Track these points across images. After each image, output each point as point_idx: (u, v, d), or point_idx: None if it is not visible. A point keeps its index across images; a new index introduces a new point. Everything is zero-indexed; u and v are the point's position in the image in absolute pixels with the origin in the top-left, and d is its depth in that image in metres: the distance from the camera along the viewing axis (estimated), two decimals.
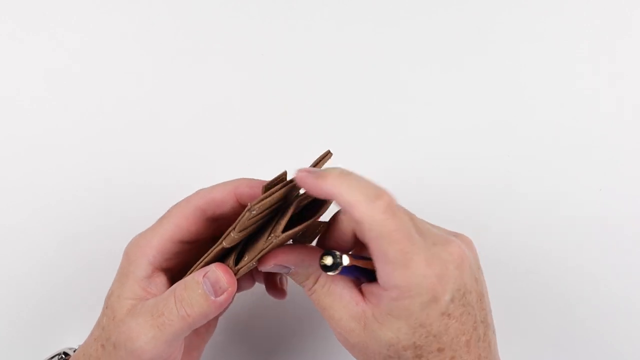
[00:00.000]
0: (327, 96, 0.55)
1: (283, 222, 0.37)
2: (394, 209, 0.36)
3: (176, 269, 0.42)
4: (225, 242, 0.38)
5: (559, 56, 0.55)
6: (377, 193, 0.36)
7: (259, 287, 0.46)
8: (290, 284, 0.46)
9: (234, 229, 0.38)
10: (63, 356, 0.46)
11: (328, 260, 0.37)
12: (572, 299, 0.53)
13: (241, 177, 0.42)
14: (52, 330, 0.52)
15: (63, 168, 0.53)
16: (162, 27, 0.54)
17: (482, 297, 0.39)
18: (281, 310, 0.53)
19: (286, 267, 0.39)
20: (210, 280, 0.39)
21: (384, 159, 0.55)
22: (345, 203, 0.36)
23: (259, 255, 0.38)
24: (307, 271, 0.39)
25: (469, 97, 0.55)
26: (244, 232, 0.38)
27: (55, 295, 0.53)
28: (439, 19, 0.55)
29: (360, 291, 0.39)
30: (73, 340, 0.50)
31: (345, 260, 0.37)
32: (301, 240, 0.42)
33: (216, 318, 0.46)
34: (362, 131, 0.55)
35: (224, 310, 0.46)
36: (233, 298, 0.39)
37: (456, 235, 0.40)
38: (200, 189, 0.42)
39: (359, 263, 0.37)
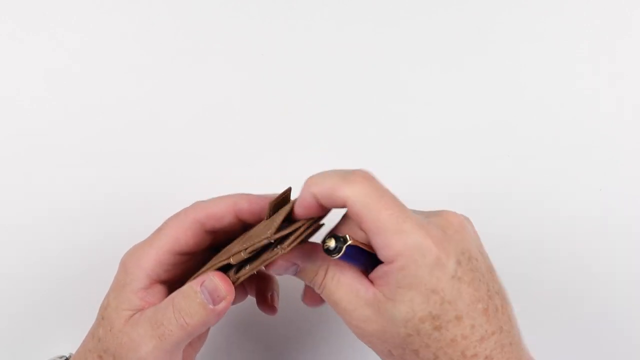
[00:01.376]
0: (327, 96, 0.55)
1: (292, 238, 0.37)
2: (370, 178, 0.37)
3: (174, 279, 0.42)
4: (233, 260, 0.38)
5: (559, 56, 0.55)
6: (349, 171, 0.37)
7: (251, 300, 0.46)
8: (281, 299, 0.46)
9: (245, 249, 0.38)
10: None
11: (331, 243, 0.37)
12: (572, 299, 0.53)
13: (240, 192, 0.42)
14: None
15: (63, 168, 0.53)
16: (162, 27, 0.54)
17: (491, 269, 0.39)
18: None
19: (294, 263, 0.39)
20: (208, 288, 0.38)
21: (384, 159, 0.55)
22: (325, 190, 0.36)
23: (262, 265, 0.38)
24: (315, 265, 0.39)
25: (469, 97, 0.55)
26: (253, 253, 0.38)
27: (49, 297, 0.53)
28: (439, 19, 0.55)
29: (369, 280, 0.38)
30: (64, 347, 0.50)
31: (349, 239, 0.37)
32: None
33: (208, 328, 0.46)
34: (362, 131, 0.55)
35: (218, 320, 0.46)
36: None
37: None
38: (198, 202, 0.42)
39: (361, 245, 0.37)
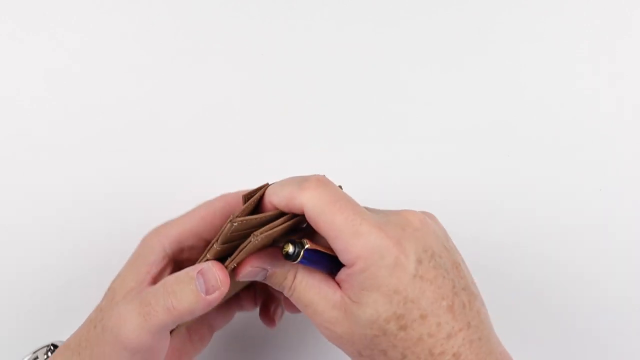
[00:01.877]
0: (327, 96, 0.55)
1: (265, 227, 0.37)
2: (324, 183, 0.37)
3: (187, 265, 0.42)
4: (209, 254, 0.38)
5: (559, 56, 0.55)
6: (304, 178, 0.37)
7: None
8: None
9: (216, 240, 0.37)
10: (52, 347, 0.45)
11: (289, 248, 0.37)
12: (572, 299, 0.53)
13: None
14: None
15: (63, 168, 0.53)
16: (162, 27, 0.54)
17: (457, 265, 0.39)
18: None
19: (263, 268, 0.39)
20: (205, 277, 0.38)
21: (384, 159, 0.55)
22: (283, 199, 0.37)
23: (237, 256, 0.38)
24: (284, 268, 0.39)
25: (469, 97, 0.55)
26: (228, 246, 0.38)
27: (48, 298, 0.53)
28: (439, 19, 0.55)
29: (336, 283, 0.38)
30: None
31: (306, 243, 0.37)
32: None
33: (211, 331, 0.46)
34: (362, 131, 0.55)
35: (222, 324, 0.46)
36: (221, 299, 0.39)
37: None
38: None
39: (320, 248, 0.38)
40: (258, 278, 0.39)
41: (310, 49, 0.55)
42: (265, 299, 0.46)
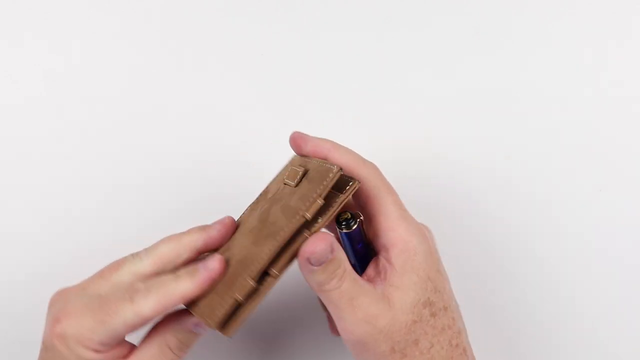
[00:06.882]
0: (327, 96, 0.55)
1: (321, 223, 0.39)
2: (379, 170, 0.42)
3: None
4: (310, 212, 0.39)
5: (560, 57, 0.55)
6: (365, 159, 0.42)
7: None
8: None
9: (319, 195, 0.38)
10: None
11: (348, 215, 0.40)
12: (571, 300, 0.53)
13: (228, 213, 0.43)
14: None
15: (61, 168, 0.53)
16: (162, 28, 0.54)
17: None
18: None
19: (332, 248, 0.38)
20: (199, 325, 0.41)
21: (384, 159, 0.54)
22: (349, 161, 0.41)
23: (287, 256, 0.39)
24: (343, 258, 0.39)
25: (470, 98, 0.55)
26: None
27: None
28: (439, 19, 0.55)
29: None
30: None
31: (360, 215, 0.41)
32: None
33: None
34: (363, 132, 0.55)
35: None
36: None
37: None
38: None
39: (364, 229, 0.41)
40: (317, 262, 0.39)
41: (310, 49, 0.55)
42: None
